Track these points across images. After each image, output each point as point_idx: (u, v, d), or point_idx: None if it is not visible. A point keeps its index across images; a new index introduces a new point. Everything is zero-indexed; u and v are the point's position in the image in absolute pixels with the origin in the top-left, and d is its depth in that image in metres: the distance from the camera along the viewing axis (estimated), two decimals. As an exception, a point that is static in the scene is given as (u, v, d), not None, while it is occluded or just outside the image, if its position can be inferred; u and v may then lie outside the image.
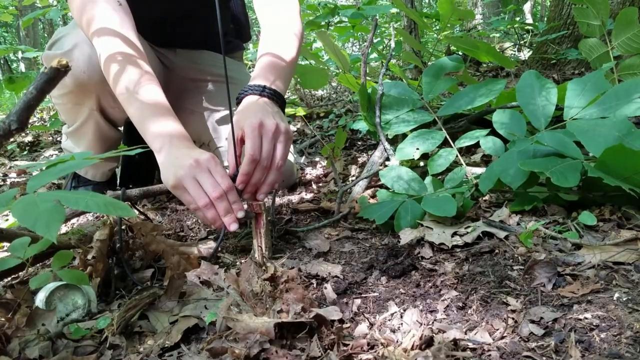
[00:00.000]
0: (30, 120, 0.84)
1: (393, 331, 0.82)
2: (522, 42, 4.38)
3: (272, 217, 1.31)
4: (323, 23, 3.55)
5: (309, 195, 1.63)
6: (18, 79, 2.88)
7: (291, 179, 1.73)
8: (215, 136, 1.72)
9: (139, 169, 1.74)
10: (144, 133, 1.16)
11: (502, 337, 0.77)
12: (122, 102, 1.21)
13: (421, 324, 0.83)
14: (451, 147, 1.48)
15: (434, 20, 4.23)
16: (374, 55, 3.68)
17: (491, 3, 7.97)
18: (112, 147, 1.73)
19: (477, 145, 1.50)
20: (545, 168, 1.11)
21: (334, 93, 3.86)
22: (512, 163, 1.21)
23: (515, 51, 4.52)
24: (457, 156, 1.46)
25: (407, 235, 1.15)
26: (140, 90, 1.18)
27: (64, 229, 1.50)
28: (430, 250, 1.10)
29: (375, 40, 3.79)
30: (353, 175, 1.84)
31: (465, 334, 0.79)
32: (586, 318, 0.78)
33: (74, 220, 1.61)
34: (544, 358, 0.71)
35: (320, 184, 1.78)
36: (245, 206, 1.10)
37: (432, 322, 0.84)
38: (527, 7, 7.27)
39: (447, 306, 0.88)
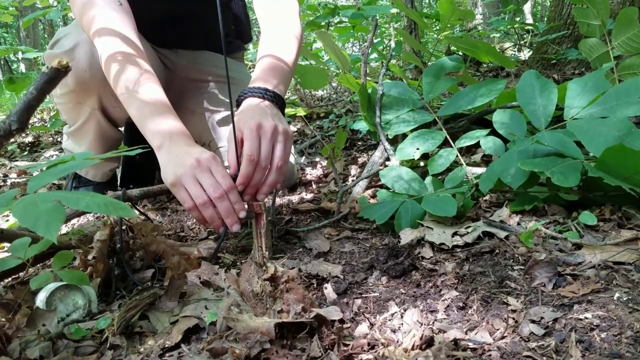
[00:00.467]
0: (31, 121, 0.84)
1: (393, 331, 0.82)
2: (522, 42, 4.38)
3: (273, 217, 1.31)
4: (323, 23, 3.56)
5: (309, 196, 1.63)
6: (18, 79, 2.88)
7: (291, 180, 1.73)
8: (215, 136, 1.72)
9: (140, 169, 1.74)
10: (144, 131, 1.16)
11: (503, 337, 0.77)
12: (122, 101, 1.21)
13: (422, 324, 0.83)
14: (451, 147, 1.48)
15: (434, 20, 4.23)
16: (374, 55, 3.68)
17: (491, 3, 7.97)
18: (113, 147, 1.73)
19: (477, 145, 1.50)
20: (546, 168, 1.11)
21: (334, 93, 3.86)
22: (513, 163, 1.21)
23: (515, 51, 4.52)
24: (457, 156, 1.46)
25: (407, 235, 1.15)
26: (140, 88, 1.18)
27: (64, 229, 1.50)
28: (430, 250, 1.10)
29: (375, 41, 3.80)
30: (353, 176, 1.84)
31: (466, 334, 0.79)
32: (587, 318, 0.78)
33: (74, 221, 1.62)
34: (545, 358, 0.71)
35: (321, 184, 1.78)
36: (246, 206, 1.10)
37: (433, 322, 0.84)
38: (527, 7, 7.27)
39: (448, 306, 0.88)
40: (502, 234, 1.10)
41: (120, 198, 1.22)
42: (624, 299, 0.81)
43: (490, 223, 1.15)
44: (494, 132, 1.43)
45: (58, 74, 0.79)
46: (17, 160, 3.14)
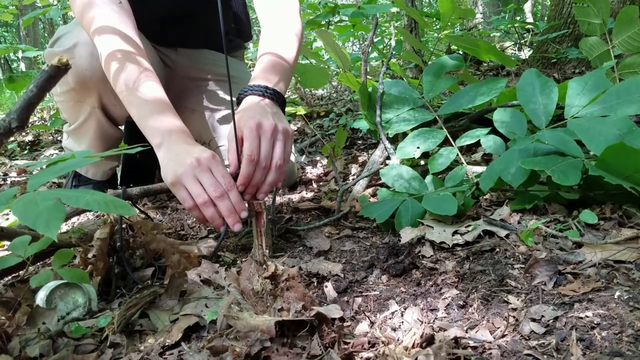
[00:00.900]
0: (31, 120, 0.84)
1: (394, 329, 0.82)
2: (522, 41, 4.38)
3: (273, 216, 1.31)
4: (323, 22, 3.55)
5: (309, 194, 1.63)
6: (18, 78, 2.88)
7: (292, 178, 1.73)
8: (216, 135, 1.72)
9: (140, 168, 1.74)
10: (144, 129, 1.16)
11: (503, 336, 0.77)
12: (122, 100, 1.21)
13: (422, 323, 0.83)
14: (452, 145, 1.48)
15: (434, 19, 4.22)
16: (375, 54, 3.68)
17: (491, 2, 7.96)
18: (113, 145, 1.73)
19: (477, 144, 1.50)
20: (546, 167, 1.10)
21: (334, 92, 3.86)
22: (513, 162, 1.21)
23: (515, 50, 4.52)
24: (457, 155, 1.46)
25: (407, 234, 1.15)
26: (140, 87, 1.18)
27: (64, 227, 1.50)
28: (430, 249, 1.10)
29: (375, 39, 3.79)
30: (354, 174, 1.84)
31: (466, 332, 0.79)
32: (587, 316, 0.78)
33: (74, 219, 1.61)
34: (545, 356, 0.71)
35: (321, 183, 1.78)
36: (246, 205, 1.10)
37: (433, 321, 0.84)
38: (527, 6, 7.26)
39: (448, 305, 0.88)
40: (502, 233, 1.10)
41: (120, 196, 1.22)
42: (625, 297, 0.81)
43: (491, 222, 1.15)
44: (494, 131, 1.43)
45: (58, 71, 0.79)
46: (17, 159, 3.14)
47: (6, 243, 1.10)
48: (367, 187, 1.57)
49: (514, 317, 0.81)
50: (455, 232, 1.13)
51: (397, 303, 0.91)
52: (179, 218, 1.49)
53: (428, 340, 0.75)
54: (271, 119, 1.11)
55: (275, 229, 1.28)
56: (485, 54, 1.87)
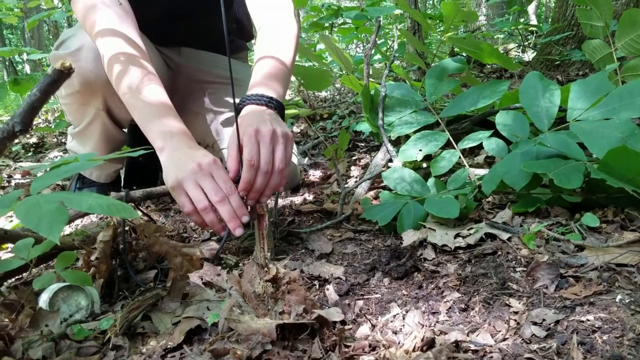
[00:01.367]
0: (35, 122, 0.85)
1: (395, 333, 0.82)
2: (526, 43, 4.38)
3: (275, 219, 1.32)
4: (327, 24, 3.56)
5: (311, 197, 1.64)
6: (23, 80, 2.89)
7: (294, 181, 1.73)
8: (219, 138, 1.73)
9: (143, 170, 1.74)
10: (147, 132, 1.17)
11: (504, 339, 0.77)
12: (125, 102, 1.21)
13: (423, 326, 0.83)
14: (454, 148, 1.48)
15: (437, 21, 4.23)
16: (378, 56, 3.68)
17: (495, 4, 7.96)
18: (118, 148, 1.74)
19: (480, 146, 1.50)
20: (548, 169, 1.10)
21: (337, 94, 3.86)
22: (515, 164, 1.21)
23: (519, 52, 4.52)
24: (460, 157, 1.46)
25: (409, 237, 1.15)
26: (142, 90, 1.18)
27: (67, 229, 1.50)
28: (432, 252, 1.10)
29: (378, 42, 3.80)
30: (356, 177, 1.84)
31: (467, 335, 0.79)
32: (588, 320, 0.77)
33: (77, 222, 1.62)
34: (546, 360, 0.71)
35: (323, 186, 1.78)
36: (248, 208, 1.11)
37: (434, 324, 0.84)
38: (531, 8, 7.25)
39: (450, 308, 0.88)
40: (504, 236, 1.10)
41: (123, 199, 1.23)
42: (626, 301, 0.81)
43: (493, 224, 1.15)
44: (497, 134, 1.43)
45: (61, 75, 0.80)
46: (21, 161, 3.15)
47: (9, 245, 1.11)
48: (370, 189, 1.57)
49: (515, 320, 0.81)
50: (457, 235, 1.13)
51: (398, 306, 0.91)
52: (182, 220, 1.50)
53: (429, 344, 0.75)
54: (269, 124, 1.11)
55: (277, 231, 1.28)
56: (488, 56, 1.87)
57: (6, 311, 0.92)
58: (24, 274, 1.12)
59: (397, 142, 1.74)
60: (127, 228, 1.15)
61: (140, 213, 1.37)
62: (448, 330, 0.80)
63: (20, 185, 2.35)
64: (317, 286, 1.02)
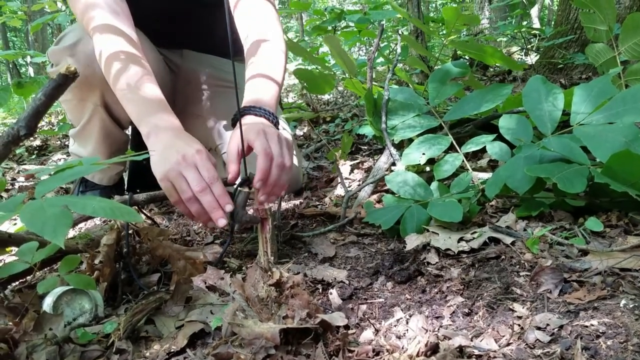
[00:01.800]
0: (39, 125, 0.85)
1: (398, 337, 0.82)
2: (529, 46, 4.37)
3: (278, 222, 1.32)
4: (330, 28, 3.56)
5: (314, 200, 1.64)
6: (27, 83, 2.90)
7: (297, 184, 1.73)
8: (221, 142, 1.73)
9: (147, 173, 1.74)
10: (138, 124, 1.19)
11: (508, 344, 0.77)
12: (117, 95, 1.24)
13: (427, 330, 0.83)
14: (457, 152, 1.48)
15: (440, 25, 4.23)
16: (381, 60, 3.68)
17: (498, 7, 7.96)
18: (119, 148, 1.74)
19: (483, 150, 1.50)
20: (552, 174, 1.10)
21: (340, 98, 3.87)
22: (519, 168, 1.21)
23: (522, 55, 4.52)
24: (463, 161, 1.46)
25: (413, 241, 1.15)
26: (135, 83, 1.21)
27: (71, 233, 1.51)
28: (436, 256, 1.10)
29: (381, 45, 3.80)
30: (359, 180, 1.84)
31: (471, 340, 0.79)
32: (592, 325, 0.77)
33: (81, 225, 1.62)
34: (550, 365, 0.71)
35: (326, 189, 1.78)
36: (251, 211, 1.11)
37: (438, 329, 0.83)
38: (534, 12, 7.25)
39: (453, 312, 0.88)
40: (508, 240, 1.10)
41: (126, 202, 1.23)
42: (630, 306, 0.81)
43: (496, 229, 1.15)
44: (500, 138, 1.43)
45: (66, 80, 0.80)
46: (25, 164, 3.16)
47: (13, 249, 1.11)
48: (373, 193, 1.57)
49: (519, 325, 0.81)
50: (460, 239, 1.13)
51: (402, 310, 0.91)
52: (185, 224, 1.50)
53: (433, 349, 0.75)
54: (273, 128, 1.14)
55: (281, 235, 1.28)
56: (491, 58, 1.87)
57: (10, 314, 0.93)
58: (28, 278, 1.13)
59: (400, 146, 1.74)
60: (130, 231, 1.16)
61: (143, 216, 1.37)
62: (452, 335, 0.80)
63: (24, 188, 2.35)
64: (320, 290, 1.02)
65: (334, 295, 0.95)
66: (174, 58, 1.80)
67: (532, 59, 4.00)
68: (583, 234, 1.09)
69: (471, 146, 1.49)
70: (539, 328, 0.79)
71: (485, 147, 1.45)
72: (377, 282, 1.03)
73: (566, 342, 0.74)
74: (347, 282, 1.03)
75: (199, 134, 1.72)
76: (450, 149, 1.51)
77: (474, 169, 1.52)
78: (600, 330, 0.76)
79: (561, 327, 0.79)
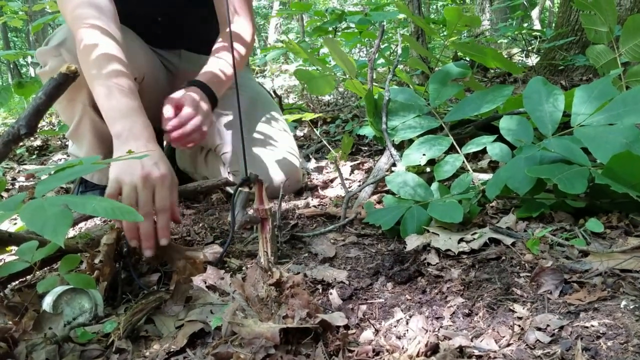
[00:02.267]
0: (39, 125, 0.85)
1: (398, 337, 0.82)
2: (529, 48, 4.38)
3: (278, 222, 1.31)
4: (330, 29, 3.57)
5: (315, 201, 1.64)
6: (27, 83, 2.90)
7: (297, 184, 1.73)
8: (221, 142, 1.72)
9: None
10: (107, 121, 1.23)
11: (509, 345, 0.77)
12: (91, 89, 1.27)
13: (427, 331, 0.83)
14: (458, 153, 1.48)
15: (441, 25, 4.23)
16: (381, 61, 3.68)
17: (499, 9, 7.96)
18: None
19: (484, 151, 1.50)
20: (552, 175, 1.10)
21: (340, 98, 3.87)
22: (519, 169, 1.21)
23: (523, 57, 4.52)
24: (463, 162, 1.46)
25: (413, 241, 1.15)
26: (110, 78, 1.24)
27: (71, 232, 1.51)
28: (436, 257, 1.10)
29: (382, 46, 3.80)
30: (359, 181, 1.84)
31: (471, 341, 0.79)
32: (593, 326, 0.77)
33: (81, 224, 1.62)
34: (550, 366, 0.70)
35: (327, 189, 1.78)
36: (251, 211, 1.11)
37: (438, 329, 0.83)
38: (535, 13, 7.25)
39: (453, 313, 0.88)
40: (508, 241, 1.10)
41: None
42: (631, 307, 0.81)
43: (497, 229, 1.14)
44: (500, 139, 1.43)
45: (66, 79, 0.80)
46: (25, 164, 3.16)
47: (14, 248, 1.11)
48: (373, 193, 1.57)
49: (519, 325, 0.81)
50: (461, 240, 1.13)
51: (402, 311, 0.90)
52: (185, 224, 1.50)
53: (433, 349, 0.75)
54: (205, 100, 1.43)
55: (281, 235, 1.28)
56: (492, 61, 1.87)
57: (10, 314, 0.93)
58: (28, 277, 1.13)
59: (401, 147, 1.74)
60: None
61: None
62: (452, 335, 0.80)
63: (24, 188, 2.35)
64: (320, 290, 1.01)
65: (334, 296, 0.95)
66: (172, 59, 1.80)
67: (533, 60, 4.00)
68: (583, 235, 1.09)
69: (472, 147, 1.49)
70: (539, 329, 0.79)
71: (485, 148, 1.45)
72: (377, 282, 1.03)
73: (566, 343, 0.74)
74: (347, 282, 1.03)
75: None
76: (451, 149, 1.51)
77: (474, 170, 1.52)
78: (601, 331, 0.76)
79: (561, 327, 0.78)
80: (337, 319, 0.84)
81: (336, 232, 1.32)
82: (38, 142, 3.61)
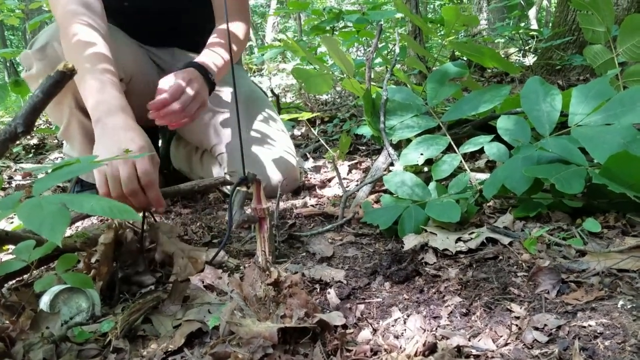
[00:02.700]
0: (36, 123, 0.85)
1: (396, 337, 0.82)
2: (526, 47, 4.38)
3: (276, 222, 1.31)
4: (328, 28, 3.56)
5: (312, 200, 1.64)
6: (24, 82, 2.89)
7: (295, 184, 1.73)
8: (217, 140, 1.71)
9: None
10: (86, 103, 1.26)
11: (506, 344, 0.77)
12: (80, 81, 1.28)
13: (424, 330, 0.83)
14: (455, 152, 1.48)
15: (438, 25, 4.23)
16: (379, 60, 3.68)
17: (496, 9, 7.97)
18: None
19: (481, 151, 1.50)
20: (550, 174, 1.10)
21: (338, 98, 3.86)
22: (517, 169, 1.21)
23: (520, 57, 4.52)
24: (461, 162, 1.46)
25: (410, 241, 1.15)
26: (91, 61, 1.27)
27: (68, 231, 1.50)
28: (434, 256, 1.10)
29: (379, 45, 3.80)
30: (357, 180, 1.84)
31: (469, 340, 0.79)
32: (590, 325, 0.77)
33: (78, 223, 1.62)
34: (548, 365, 0.71)
35: (324, 189, 1.78)
36: (249, 211, 1.10)
37: (436, 328, 0.84)
38: (532, 13, 7.26)
39: (451, 312, 0.88)
40: (505, 240, 1.10)
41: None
42: (628, 306, 0.81)
43: (494, 229, 1.15)
44: (498, 138, 1.43)
45: (64, 76, 0.80)
46: (22, 162, 3.15)
47: (11, 247, 1.11)
48: (371, 193, 1.57)
49: (516, 325, 0.81)
50: (458, 239, 1.13)
51: (399, 310, 0.91)
52: (183, 222, 1.49)
53: (431, 349, 0.75)
54: (201, 80, 1.41)
55: (279, 234, 1.28)
56: (489, 60, 1.87)
57: (7, 313, 0.92)
58: (25, 276, 1.12)
59: (398, 146, 1.74)
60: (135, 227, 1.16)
61: (140, 215, 1.37)
62: (450, 334, 0.80)
63: (21, 187, 2.34)
64: (318, 290, 1.01)
65: (331, 295, 0.95)
66: (164, 56, 1.80)
67: (530, 60, 4.01)
68: (581, 234, 1.09)
69: (469, 147, 1.49)
70: (536, 328, 0.79)
71: (483, 147, 1.45)
72: (375, 282, 1.03)
73: (564, 343, 0.74)
74: (345, 281, 1.03)
75: (193, 134, 1.72)
76: (448, 149, 1.51)
77: (471, 170, 1.52)
78: (598, 331, 0.76)
79: (559, 327, 0.79)
80: (335, 318, 0.84)
81: (334, 231, 1.32)
82: (35, 141, 3.60)
